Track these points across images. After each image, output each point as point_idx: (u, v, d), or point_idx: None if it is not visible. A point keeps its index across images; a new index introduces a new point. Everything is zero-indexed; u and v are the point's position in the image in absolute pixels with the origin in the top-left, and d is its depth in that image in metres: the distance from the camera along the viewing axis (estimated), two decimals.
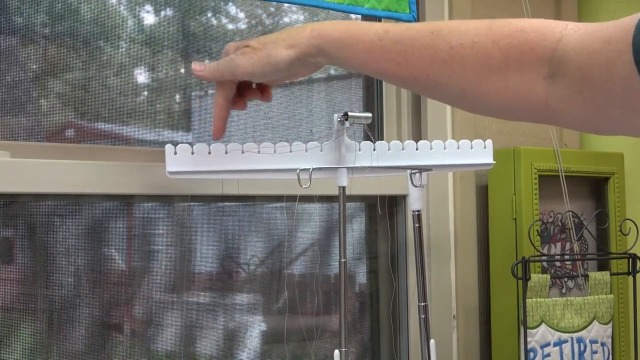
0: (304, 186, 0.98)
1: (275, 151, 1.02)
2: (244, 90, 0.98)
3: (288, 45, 0.87)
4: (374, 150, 1.05)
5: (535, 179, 1.42)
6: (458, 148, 1.09)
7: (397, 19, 1.30)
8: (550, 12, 1.70)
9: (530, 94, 0.76)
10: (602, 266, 1.55)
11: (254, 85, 0.99)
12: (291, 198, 1.25)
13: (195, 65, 0.94)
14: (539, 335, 1.32)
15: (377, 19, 1.48)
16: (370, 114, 1.01)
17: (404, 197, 1.44)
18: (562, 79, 0.73)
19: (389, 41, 0.80)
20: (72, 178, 1.05)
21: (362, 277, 1.49)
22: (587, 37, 0.70)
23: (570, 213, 1.47)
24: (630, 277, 1.43)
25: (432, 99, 0.84)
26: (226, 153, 1.00)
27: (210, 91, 1.33)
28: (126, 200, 1.20)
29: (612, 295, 1.40)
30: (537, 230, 1.37)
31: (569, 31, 0.73)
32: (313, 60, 0.87)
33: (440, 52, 0.77)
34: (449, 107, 1.46)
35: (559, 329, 1.34)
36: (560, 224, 1.49)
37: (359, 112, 1.00)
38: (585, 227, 1.48)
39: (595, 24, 0.71)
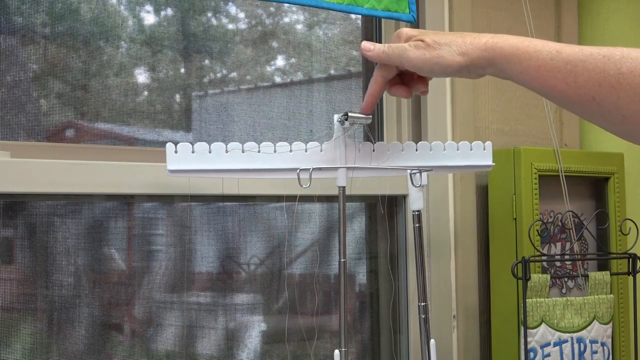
0: (304, 186, 0.98)
1: (275, 151, 1.02)
2: (409, 79, 0.99)
3: (461, 52, 0.89)
4: (373, 151, 1.05)
5: (535, 179, 1.42)
6: (457, 149, 1.09)
7: (397, 19, 1.29)
8: (551, 12, 1.69)
9: None
10: (602, 266, 1.55)
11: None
12: (291, 198, 1.25)
13: (366, 44, 0.96)
14: (539, 335, 1.32)
15: (377, 19, 1.48)
16: (370, 115, 1.01)
17: (404, 197, 1.44)
18: None
19: (560, 61, 0.82)
20: (72, 178, 1.05)
21: (362, 277, 1.49)
22: None
23: (570, 213, 1.47)
24: (630, 277, 1.43)
25: (594, 123, 0.86)
26: (227, 152, 1.00)
27: (210, 91, 1.33)
28: (126, 200, 1.20)
29: (612, 295, 1.40)
30: (537, 230, 1.37)
31: None
32: (481, 71, 0.90)
33: (609, 77, 0.78)
34: (449, 108, 1.46)
35: (559, 329, 1.34)
36: (560, 224, 1.49)
37: (359, 112, 1.00)
38: (585, 227, 1.48)
39: None
